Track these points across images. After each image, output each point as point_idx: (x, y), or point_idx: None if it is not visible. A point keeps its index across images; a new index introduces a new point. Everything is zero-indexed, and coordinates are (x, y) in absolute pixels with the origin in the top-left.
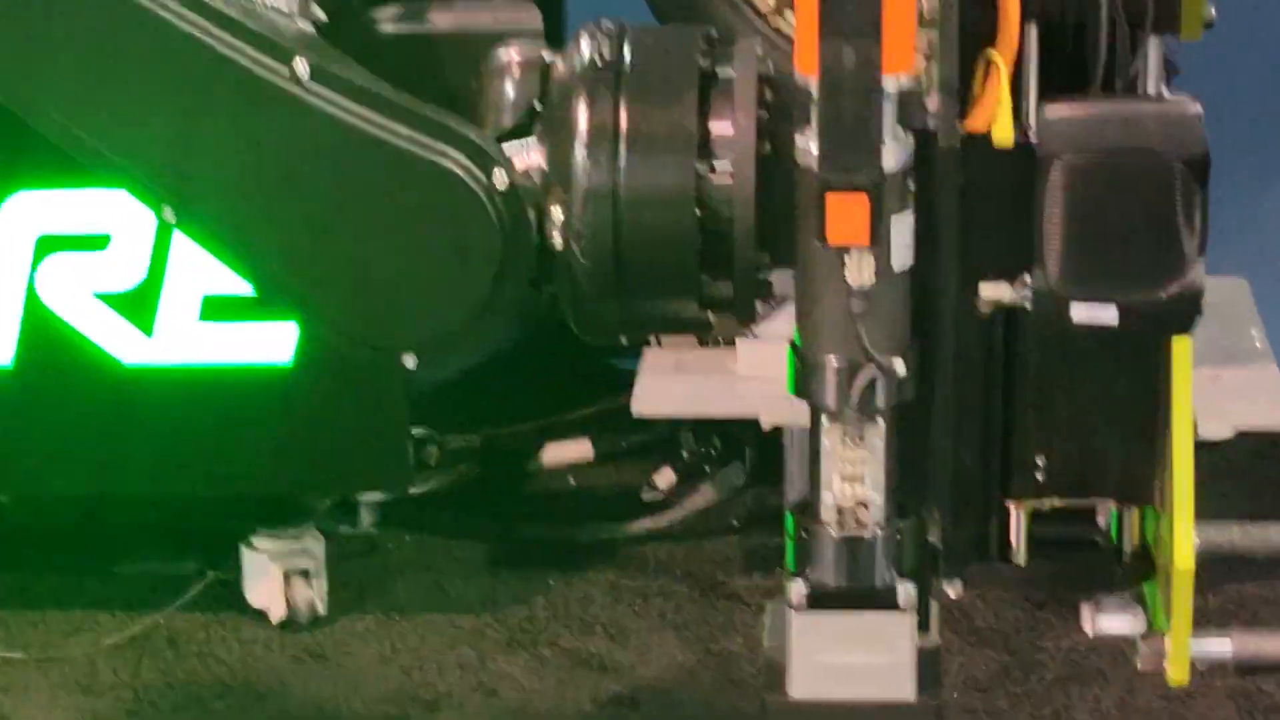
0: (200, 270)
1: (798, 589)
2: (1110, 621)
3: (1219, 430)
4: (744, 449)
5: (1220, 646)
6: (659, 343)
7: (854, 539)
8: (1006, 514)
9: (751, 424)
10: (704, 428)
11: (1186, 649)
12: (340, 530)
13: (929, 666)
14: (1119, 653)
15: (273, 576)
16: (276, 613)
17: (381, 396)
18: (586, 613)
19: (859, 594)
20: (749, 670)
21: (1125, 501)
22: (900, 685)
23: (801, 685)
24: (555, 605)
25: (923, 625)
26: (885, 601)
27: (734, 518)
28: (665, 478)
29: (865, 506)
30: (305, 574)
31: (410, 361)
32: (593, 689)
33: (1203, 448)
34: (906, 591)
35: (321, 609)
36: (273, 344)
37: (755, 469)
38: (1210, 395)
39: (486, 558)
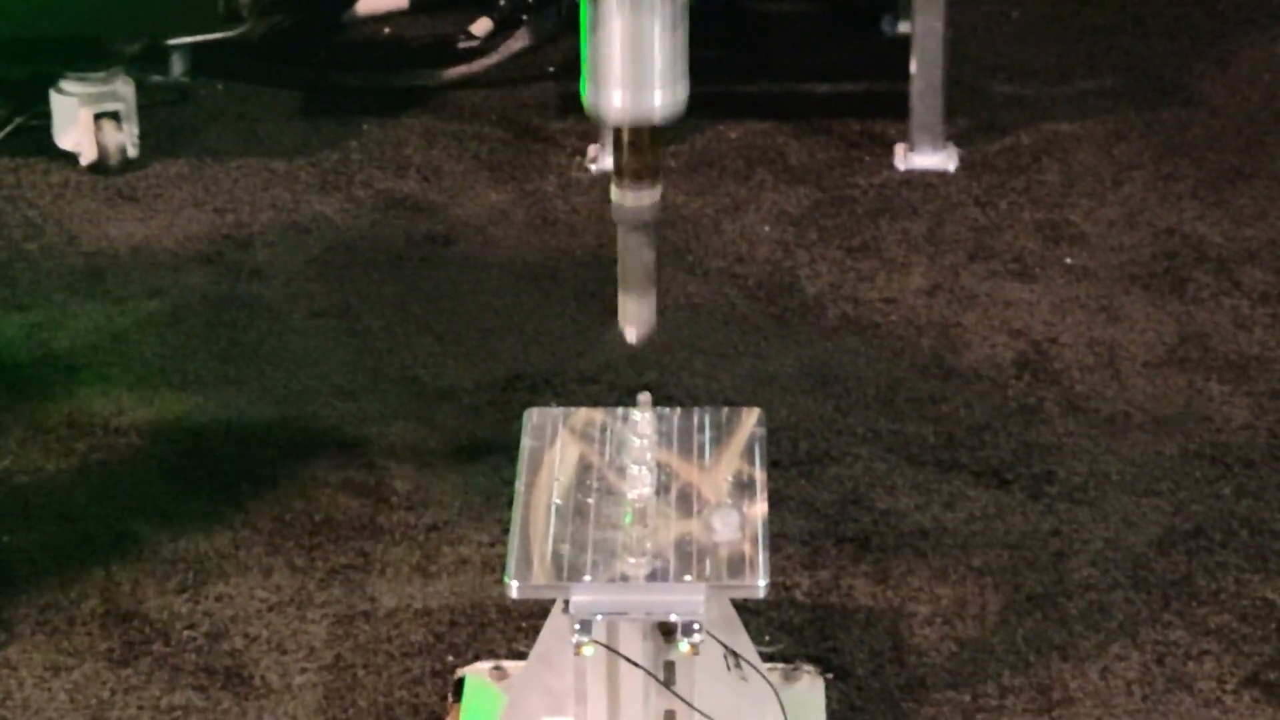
0: None
1: None
2: (922, 159)
3: None
4: None
5: None
6: None
7: None
8: None
9: None
10: None
11: None
12: (151, 79)
13: None
14: (929, 188)
15: (82, 119)
16: (87, 156)
17: None
18: (400, 155)
19: None
20: (563, 209)
21: None
22: None
23: None
24: (369, 149)
25: None
26: None
27: (550, 64)
28: (482, 26)
29: None
30: (115, 117)
31: None
32: (407, 226)
33: None
34: None
35: (132, 152)
36: None
37: (572, 14)
38: None
39: (300, 104)
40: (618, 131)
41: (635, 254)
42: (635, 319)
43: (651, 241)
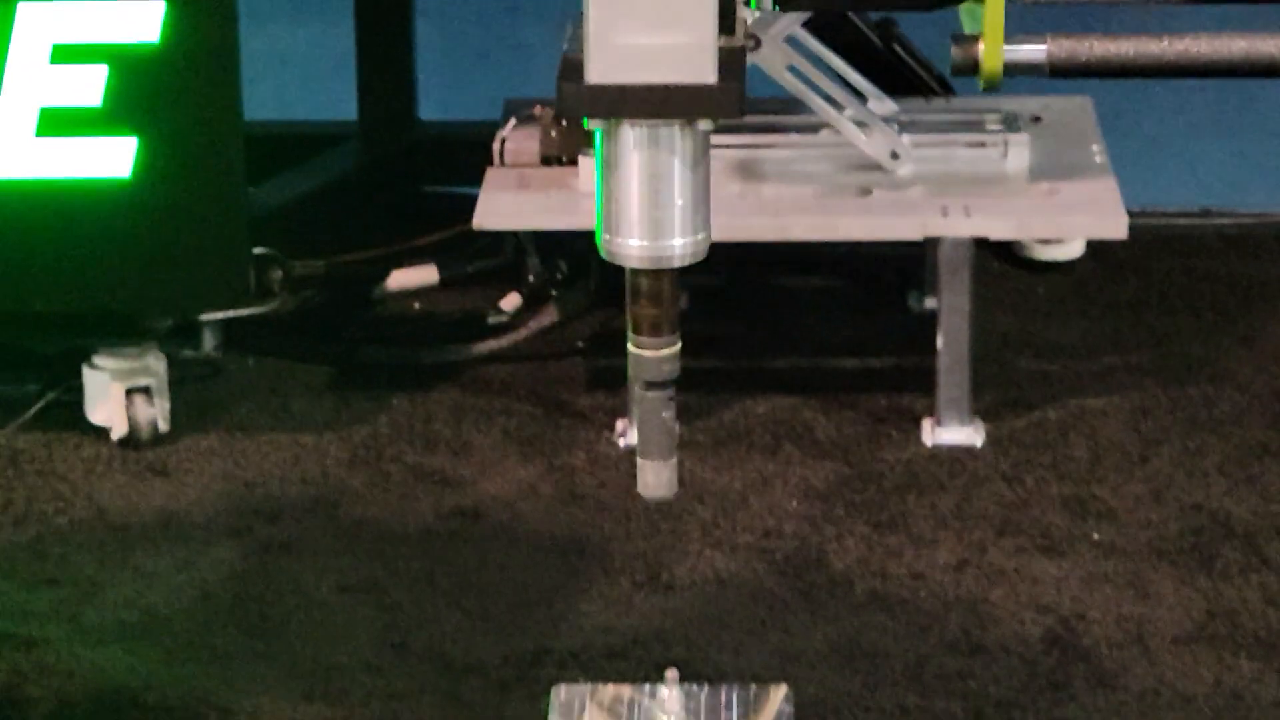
0: (37, 83)
1: None
2: (949, 434)
3: (1070, 250)
4: (589, 272)
5: (1034, 51)
6: (502, 161)
7: None
8: None
9: (596, 247)
10: (550, 253)
11: (999, 51)
12: (183, 354)
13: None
14: (956, 464)
15: (114, 394)
16: (118, 430)
17: (221, 212)
18: (429, 430)
19: None
20: (591, 484)
21: None
22: (701, 69)
23: (599, 70)
24: (398, 423)
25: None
26: None
27: (578, 339)
28: (511, 302)
29: None
30: (146, 391)
31: None
32: (435, 502)
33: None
34: None
35: (163, 426)
36: (111, 158)
37: (600, 291)
38: (1048, 208)
39: (330, 379)
40: (634, 277)
41: (653, 414)
42: (655, 484)
43: (671, 400)
